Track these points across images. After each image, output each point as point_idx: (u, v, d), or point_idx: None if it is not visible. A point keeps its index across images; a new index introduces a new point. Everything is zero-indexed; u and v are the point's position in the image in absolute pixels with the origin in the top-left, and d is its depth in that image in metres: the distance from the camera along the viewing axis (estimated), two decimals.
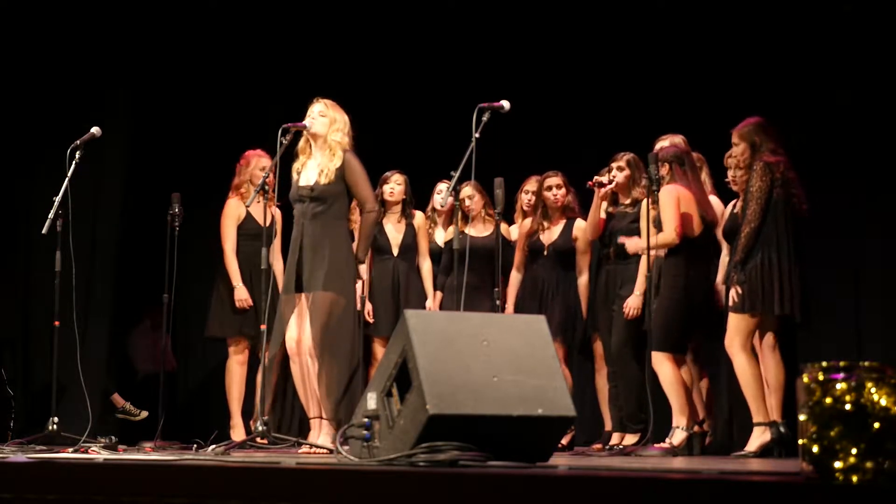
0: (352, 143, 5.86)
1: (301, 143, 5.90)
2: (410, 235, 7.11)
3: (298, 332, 5.74)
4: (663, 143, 6.40)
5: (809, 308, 5.78)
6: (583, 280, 6.87)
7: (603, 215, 6.61)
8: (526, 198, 7.11)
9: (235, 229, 7.11)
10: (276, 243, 6.94)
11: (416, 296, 7.08)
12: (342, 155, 5.77)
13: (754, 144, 5.81)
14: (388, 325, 6.77)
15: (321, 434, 5.69)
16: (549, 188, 6.95)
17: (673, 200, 6.00)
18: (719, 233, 6.31)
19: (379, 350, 6.87)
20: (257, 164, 6.99)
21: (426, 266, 7.13)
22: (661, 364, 5.99)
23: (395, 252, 7.10)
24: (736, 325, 5.75)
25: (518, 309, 6.99)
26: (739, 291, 5.68)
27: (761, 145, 5.79)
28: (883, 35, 7.04)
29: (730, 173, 6.18)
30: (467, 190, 6.91)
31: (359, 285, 5.88)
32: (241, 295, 7.04)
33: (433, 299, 7.09)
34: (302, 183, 5.82)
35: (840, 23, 7.13)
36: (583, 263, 6.87)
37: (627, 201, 6.55)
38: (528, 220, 7.06)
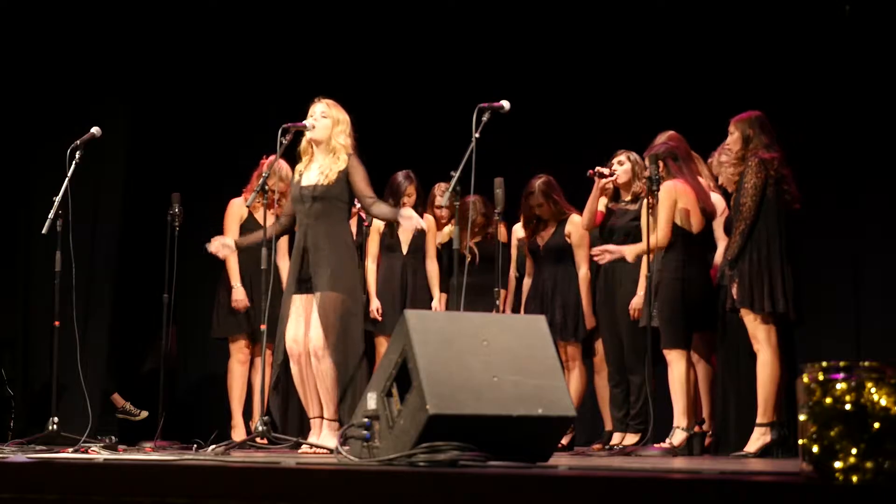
0: (355, 145, 5.85)
1: (303, 144, 5.89)
2: (420, 235, 7.11)
3: (297, 332, 5.74)
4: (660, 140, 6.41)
5: (802, 306, 5.76)
6: (582, 273, 6.85)
7: (602, 209, 6.61)
8: None
9: (238, 229, 7.11)
10: (283, 243, 6.94)
11: (424, 295, 7.08)
12: (346, 158, 5.77)
13: (747, 137, 5.80)
14: (396, 323, 6.77)
15: (324, 434, 5.69)
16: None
17: (670, 200, 6.00)
18: (718, 228, 6.30)
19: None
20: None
21: (433, 268, 7.13)
22: (675, 362, 5.98)
23: (405, 250, 7.10)
24: (750, 322, 5.73)
25: (517, 310, 7.00)
26: (736, 288, 5.67)
27: (754, 139, 5.78)
28: (883, 35, 7.04)
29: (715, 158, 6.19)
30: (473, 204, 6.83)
31: (370, 280, 5.91)
32: (238, 295, 7.05)
33: (439, 300, 7.09)
34: (304, 183, 5.82)
35: (840, 22, 7.13)
36: (580, 257, 6.85)
37: (628, 197, 6.56)
38: (518, 226, 7.09)
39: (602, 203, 6.62)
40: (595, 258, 6.29)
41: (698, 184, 6.17)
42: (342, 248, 5.76)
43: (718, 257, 6.31)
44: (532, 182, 6.90)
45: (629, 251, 6.09)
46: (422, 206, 7.18)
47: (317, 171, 5.79)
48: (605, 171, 6.50)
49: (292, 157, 5.98)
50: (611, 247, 6.19)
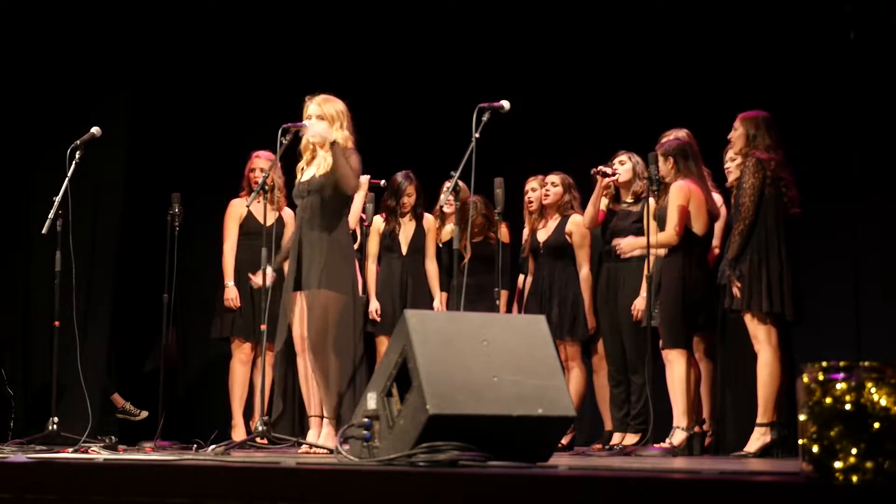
0: (354, 135, 5.74)
1: (304, 141, 5.86)
2: (420, 235, 7.11)
3: (302, 329, 5.73)
4: (668, 138, 6.40)
5: (802, 306, 5.76)
6: (584, 274, 6.85)
7: (602, 208, 6.61)
8: (527, 197, 7.10)
9: (237, 228, 7.12)
10: (285, 242, 6.93)
11: (424, 295, 7.09)
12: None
13: (751, 136, 5.81)
14: (395, 324, 6.77)
15: (322, 433, 5.67)
16: (526, 192, 6.98)
17: (681, 199, 5.99)
18: (718, 226, 6.30)
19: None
20: (251, 164, 7.03)
21: (432, 268, 7.13)
22: (676, 361, 5.98)
23: (404, 251, 7.10)
24: (750, 322, 5.73)
25: (520, 309, 7.00)
26: (739, 286, 5.66)
27: (755, 138, 5.79)
28: (882, 34, 7.03)
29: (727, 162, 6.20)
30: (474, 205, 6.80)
31: (370, 281, 5.87)
32: (230, 294, 7.05)
33: (439, 300, 7.09)
34: (302, 179, 5.79)
35: (840, 22, 7.12)
36: (582, 257, 6.86)
37: (629, 199, 6.55)
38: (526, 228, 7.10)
39: (603, 203, 6.62)
40: (622, 254, 6.26)
41: (706, 185, 6.16)
42: (335, 244, 5.63)
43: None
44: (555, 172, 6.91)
45: (645, 240, 6.05)
46: (422, 205, 7.19)
47: (314, 166, 5.77)
48: (608, 170, 6.50)
49: (294, 155, 5.95)
50: (633, 241, 6.16)
